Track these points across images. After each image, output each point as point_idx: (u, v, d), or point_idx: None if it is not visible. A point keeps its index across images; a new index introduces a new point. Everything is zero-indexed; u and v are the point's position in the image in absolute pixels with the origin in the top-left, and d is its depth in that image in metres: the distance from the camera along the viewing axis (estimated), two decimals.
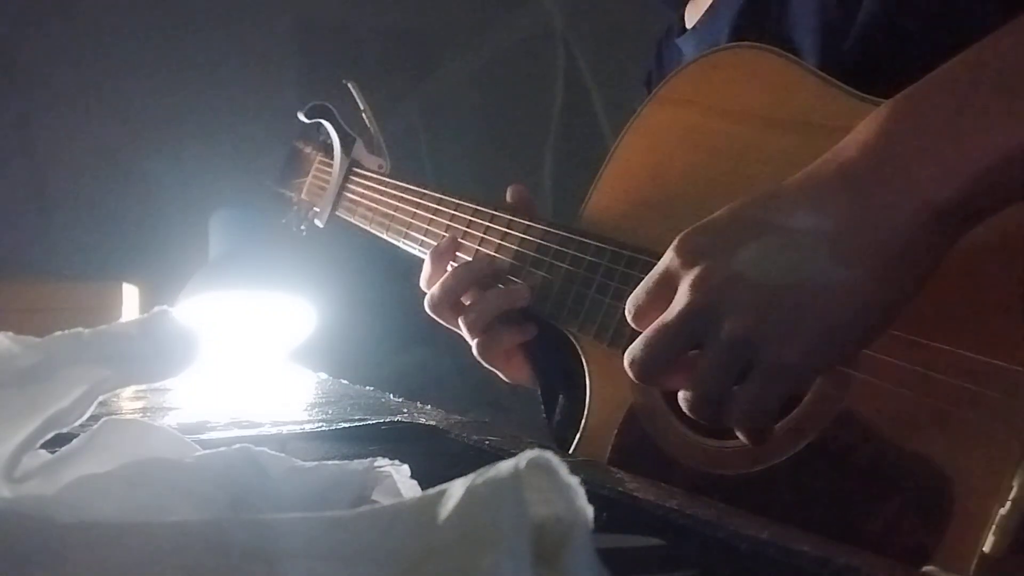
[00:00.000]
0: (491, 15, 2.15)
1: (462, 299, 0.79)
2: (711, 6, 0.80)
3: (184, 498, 0.32)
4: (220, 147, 1.85)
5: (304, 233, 1.10)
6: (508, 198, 0.83)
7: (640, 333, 0.55)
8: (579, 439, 0.71)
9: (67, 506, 0.30)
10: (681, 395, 0.53)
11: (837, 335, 0.49)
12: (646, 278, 0.55)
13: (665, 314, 0.53)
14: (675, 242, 0.54)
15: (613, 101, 2.09)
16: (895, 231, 0.48)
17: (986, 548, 0.47)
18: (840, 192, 0.50)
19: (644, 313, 0.55)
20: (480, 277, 0.78)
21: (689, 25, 0.83)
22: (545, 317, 0.74)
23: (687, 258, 0.53)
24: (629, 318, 0.56)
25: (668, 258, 0.54)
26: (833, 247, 0.49)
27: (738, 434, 0.53)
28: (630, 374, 0.54)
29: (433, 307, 0.79)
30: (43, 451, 0.35)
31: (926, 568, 0.35)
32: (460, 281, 0.78)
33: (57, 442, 0.35)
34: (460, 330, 0.79)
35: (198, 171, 1.78)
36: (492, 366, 0.82)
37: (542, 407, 0.82)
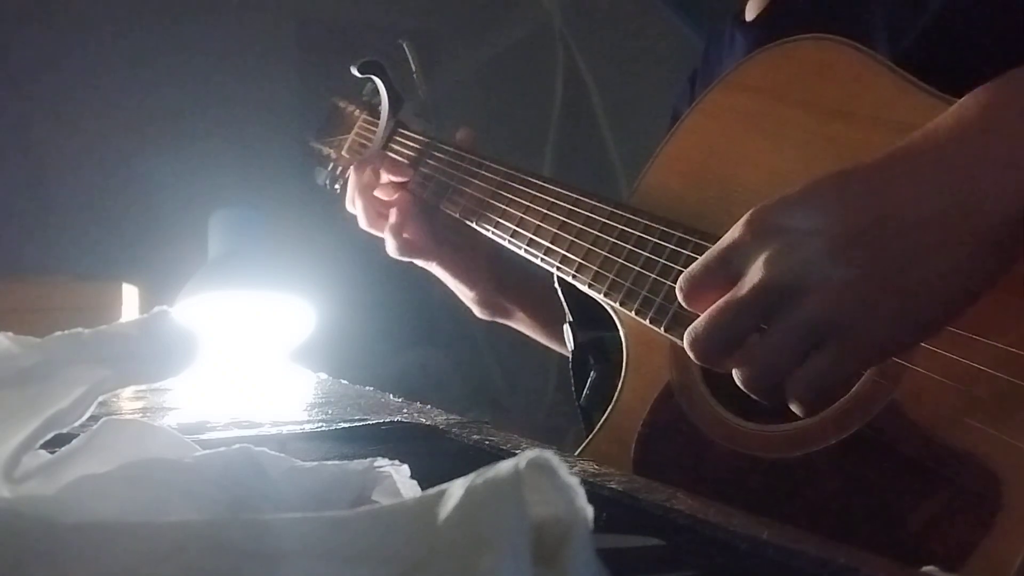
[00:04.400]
0: (491, 15, 2.15)
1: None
2: None
3: (184, 498, 0.32)
4: (220, 147, 1.85)
5: (338, 191, 1.09)
6: None
7: (687, 309, 0.54)
8: (610, 411, 0.70)
9: (67, 506, 0.30)
10: (738, 369, 0.52)
11: (922, 317, 0.49)
12: (705, 254, 0.53)
13: (735, 290, 0.51)
14: (746, 217, 0.52)
15: (613, 101, 2.09)
16: (995, 215, 0.47)
17: None
18: (940, 172, 0.49)
19: (699, 290, 0.53)
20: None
21: (750, 16, 0.83)
22: (587, 289, 0.72)
23: (762, 234, 0.51)
24: (681, 296, 0.54)
25: (736, 234, 0.52)
26: (929, 227, 0.48)
27: (792, 406, 0.51)
28: (691, 354, 0.53)
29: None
30: (43, 451, 0.35)
31: (926, 568, 0.35)
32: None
33: (57, 442, 0.35)
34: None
35: (198, 171, 1.77)
36: (413, 257, 0.95)
37: (572, 379, 0.81)
